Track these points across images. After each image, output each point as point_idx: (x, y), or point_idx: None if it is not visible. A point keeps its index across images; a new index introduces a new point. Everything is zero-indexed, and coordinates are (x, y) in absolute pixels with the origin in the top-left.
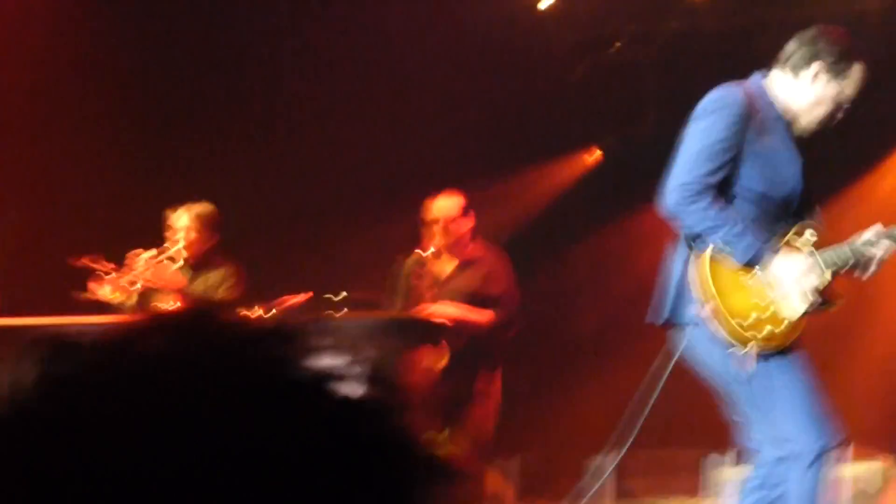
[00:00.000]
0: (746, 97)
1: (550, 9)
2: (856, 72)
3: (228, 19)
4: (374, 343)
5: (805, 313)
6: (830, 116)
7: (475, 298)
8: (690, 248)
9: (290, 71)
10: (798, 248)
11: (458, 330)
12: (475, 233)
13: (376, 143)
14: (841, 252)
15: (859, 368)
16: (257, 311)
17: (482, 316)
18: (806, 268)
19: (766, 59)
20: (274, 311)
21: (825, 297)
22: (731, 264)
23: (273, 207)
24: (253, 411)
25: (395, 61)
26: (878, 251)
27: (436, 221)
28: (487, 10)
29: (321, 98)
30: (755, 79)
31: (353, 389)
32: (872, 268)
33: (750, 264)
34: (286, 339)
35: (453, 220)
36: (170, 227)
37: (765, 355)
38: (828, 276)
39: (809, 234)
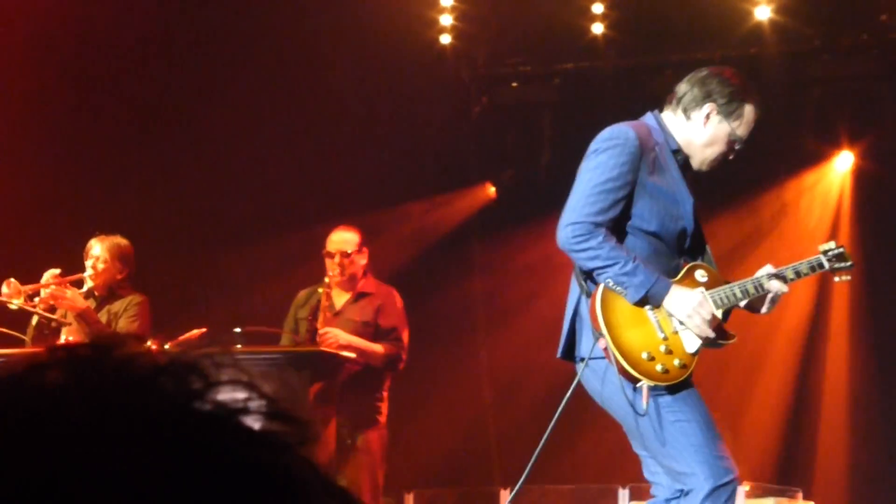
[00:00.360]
0: (639, 135)
1: (450, 46)
2: (748, 112)
3: (138, 57)
4: (273, 376)
5: (698, 350)
6: (723, 156)
7: (367, 329)
8: (587, 282)
9: (194, 106)
10: (690, 286)
11: (349, 361)
12: (368, 268)
13: (278, 176)
14: (732, 290)
15: (755, 407)
16: (151, 346)
17: (374, 348)
18: (698, 305)
19: (662, 99)
20: (168, 345)
21: (718, 335)
22: (625, 300)
23: (179, 239)
24: (153, 446)
25: (297, 97)
26: (771, 290)
27: (331, 256)
28: (388, 45)
29: (228, 133)
30: (648, 117)
31: (255, 423)
32: (766, 306)
33: (641, 303)
34: (186, 373)
35: (349, 255)
36: (86, 254)
37: (660, 391)
38: (720, 313)
39: (700, 275)
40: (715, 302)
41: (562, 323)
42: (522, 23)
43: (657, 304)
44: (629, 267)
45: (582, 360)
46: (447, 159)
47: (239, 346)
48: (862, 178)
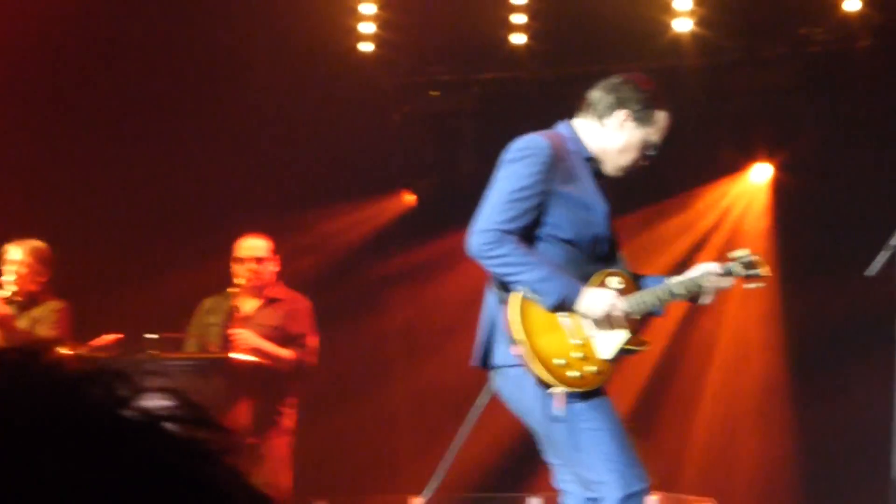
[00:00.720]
0: (552, 144)
1: (371, 54)
2: (660, 118)
3: (47, 58)
4: (191, 382)
5: (613, 357)
6: (636, 162)
7: (276, 334)
8: (501, 289)
9: (108, 107)
10: (617, 291)
11: (258, 367)
12: (279, 275)
13: (196, 180)
14: (646, 296)
15: (666, 417)
16: (67, 351)
17: (282, 353)
18: (612, 304)
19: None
20: (83, 351)
21: (633, 341)
22: (539, 307)
23: (91, 242)
24: (79, 451)
25: (219, 101)
26: (711, 287)
27: (241, 262)
28: (310, 52)
29: (147, 136)
30: (561, 126)
31: (180, 431)
32: (706, 300)
33: (557, 309)
34: (113, 380)
35: (260, 261)
36: (4, 260)
37: (574, 398)
38: (634, 319)
39: (616, 282)
40: (631, 306)
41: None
42: (443, 32)
43: (571, 309)
44: (543, 272)
45: (496, 368)
46: (367, 167)
47: (151, 351)
48: (779, 190)
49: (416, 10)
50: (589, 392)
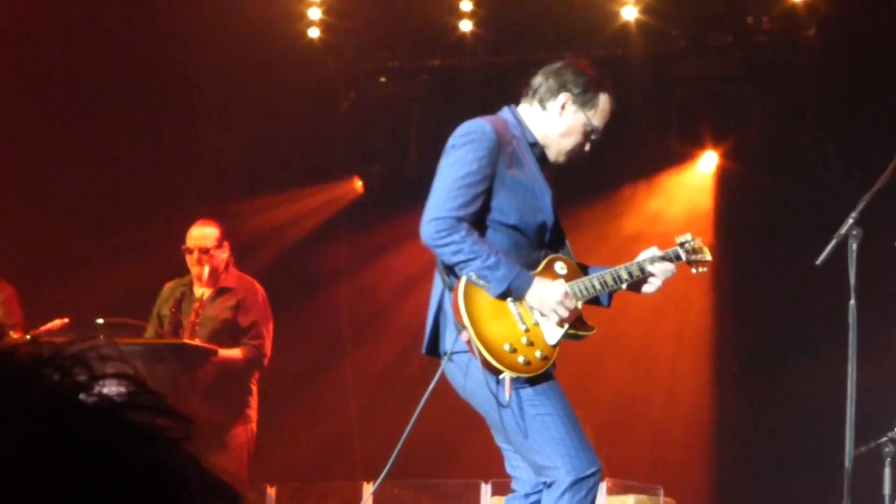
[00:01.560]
0: (496, 129)
1: (318, 40)
2: (603, 102)
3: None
4: (147, 368)
5: (559, 342)
6: (580, 147)
7: (227, 327)
8: (447, 275)
9: (57, 91)
10: (550, 278)
11: (214, 354)
12: (230, 262)
13: (144, 164)
14: (591, 282)
15: (617, 404)
16: (13, 337)
17: (232, 355)
18: (559, 297)
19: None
20: (30, 336)
21: (578, 326)
22: (487, 294)
23: (38, 226)
24: (37, 436)
25: (165, 86)
26: (656, 271)
27: (190, 251)
28: (256, 37)
29: (95, 120)
30: (505, 111)
31: (139, 417)
32: (653, 287)
33: (503, 296)
34: (72, 365)
35: (207, 251)
36: None
37: (521, 384)
38: (579, 304)
39: (559, 267)
40: (574, 294)
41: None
42: (391, 18)
43: (519, 298)
44: (491, 261)
45: (445, 354)
46: (314, 153)
47: (101, 336)
48: (725, 179)
49: None
50: (537, 377)
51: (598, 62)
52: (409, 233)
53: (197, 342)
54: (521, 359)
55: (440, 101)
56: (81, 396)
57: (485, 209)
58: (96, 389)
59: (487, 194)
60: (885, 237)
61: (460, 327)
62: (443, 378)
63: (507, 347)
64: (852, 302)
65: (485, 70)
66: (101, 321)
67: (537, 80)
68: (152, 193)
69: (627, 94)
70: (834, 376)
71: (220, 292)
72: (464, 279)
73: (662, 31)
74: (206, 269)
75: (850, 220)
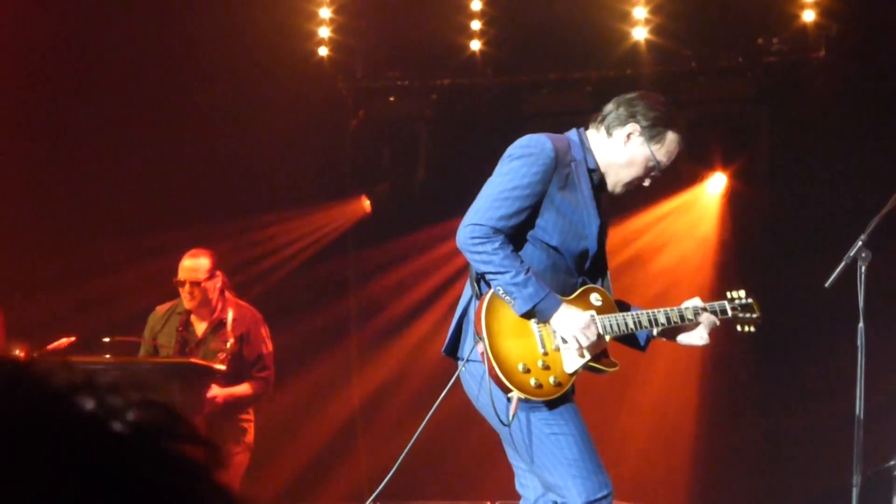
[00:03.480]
0: (557, 148)
1: (328, 58)
2: (670, 140)
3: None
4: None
5: (576, 371)
6: (639, 180)
7: (231, 361)
8: (477, 284)
9: (68, 106)
10: (583, 308)
11: (219, 373)
12: (224, 290)
13: (153, 182)
14: (624, 319)
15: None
16: (18, 354)
17: (241, 392)
18: (585, 327)
19: (537, 116)
20: (36, 354)
21: (601, 361)
22: (512, 310)
23: (39, 245)
24: (69, 463)
25: (176, 103)
26: (701, 321)
27: (182, 284)
28: (267, 56)
29: (98, 138)
30: (572, 133)
31: (170, 445)
32: (693, 339)
33: (528, 316)
34: (105, 393)
35: (199, 283)
36: None
37: (533, 405)
38: (607, 338)
39: (595, 298)
40: (604, 327)
41: (439, 330)
42: (401, 37)
43: (544, 320)
44: (520, 278)
45: (462, 359)
46: (323, 171)
47: (108, 356)
48: (734, 200)
49: (373, 16)
50: (548, 400)
51: (608, 82)
52: (417, 251)
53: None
54: (532, 381)
55: (449, 121)
56: (114, 424)
57: (528, 225)
58: (129, 418)
59: (534, 211)
60: (894, 260)
61: (478, 338)
62: (453, 394)
63: (520, 367)
64: (861, 324)
65: (494, 89)
66: (107, 339)
67: (608, 107)
68: (160, 210)
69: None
70: (843, 399)
71: (218, 325)
72: (492, 292)
73: (672, 51)
74: (196, 302)
75: (860, 243)
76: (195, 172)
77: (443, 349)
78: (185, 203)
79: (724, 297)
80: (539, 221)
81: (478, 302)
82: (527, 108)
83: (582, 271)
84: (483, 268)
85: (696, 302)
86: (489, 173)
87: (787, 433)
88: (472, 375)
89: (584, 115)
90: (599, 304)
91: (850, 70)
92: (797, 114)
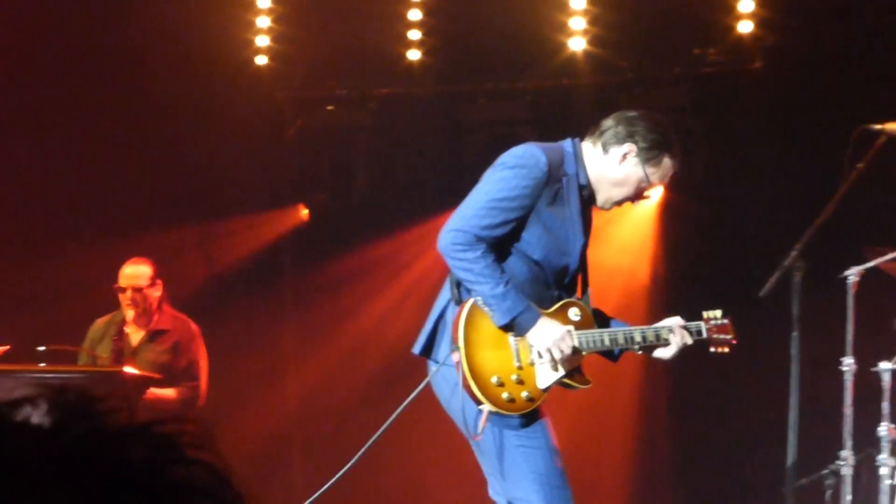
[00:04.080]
0: (550, 162)
1: (266, 67)
2: (666, 163)
3: None
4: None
5: (549, 387)
6: (629, 200)
7: (164, 370)
8: (457, 289)
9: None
10: (561, 322)
11: (153, 382)
12: (163, 301)
13: (86, 190)
14: (601, 336)
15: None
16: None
17: (167, 395)
18: (560, 339)
19: (475, 126)
20: None
21: (574, 377)
22: (491, 321)
23: None
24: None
25: (111, 110)
26: (672, 341)
27: (123, 290)
28: (204, 64)
29: (33, 147)
30: (567, 143)
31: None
32: (667, 354)
33: (506, 328)
34: (157, 441)
35: (141, 290)
36: None
37: (505, 417)
38: (584, 354)
39: (573, 313)
40: (581, 343)
41: (376, 333)
42: (339, 46)
43: (521, 333)
44: (500, 290)
45: (436, 363)
46: (261, 180)
47: (42, 364)
48: (669, 211)
49: (312, 25)
50: (520, 414)
51: (545, 92)
52: (354, 259)
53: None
54: (505, 395)
55: (387, 130)
56: (166, 475)
57: (513, 237)
58: (179, 471)
59: (520, 224)
60: (828, 269)
61: (454, 346)
62: (429, 385)
63: (494, 380)
64: (795, 333)
65: (432, 99)
66: (42, 348)
67: (607, 122)
68: (95, 218)
69: (574, 124)
70: (776, 408)
71: (154, 335)
72: (472, 300)
73: (609, 62)
74: (139, 309)
75: (794, 252)
76: (131, 181)
77: (415, 349)
78: (120, 212)
79: (700, 317)
80: (524, 234)
81: (457, 308)
82: (465, 118)
83: (561, 285)
84: (462, 275)
85: (676, 321)
86: (428, 182)
87: (722, 441)
88: (446, 380)
89: (521, 125)
90: (578, 319)
91: (786, 81)
92: (733, 125)
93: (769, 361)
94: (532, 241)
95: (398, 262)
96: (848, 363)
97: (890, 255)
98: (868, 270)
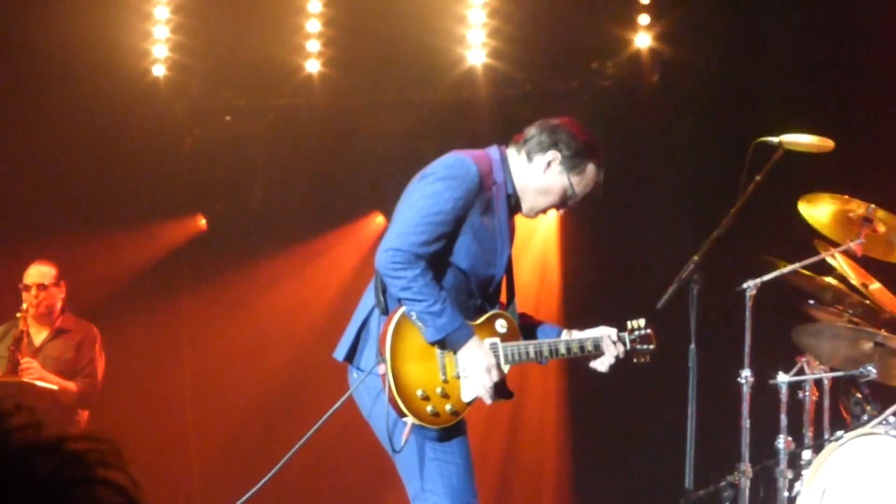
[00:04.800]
0: (481, 171)
1: (163, 77)
2: (590, 172)
3: None
4: None
5: (472, 401)
6: (553, 208)
7: (65, 367)
8: (383, 298)
9: None
10: (489, 334)
11: (50, 392)
12: (66, 303)
13: None
14: (526, 349)
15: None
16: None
17: (67, 385)
18: (488, 364)
19: (373, 137)
20: None
21: (499, 389)
22: (419, 334)
23: None
24: None
25: (7, 120)
26: (608, 351)
27: (28, 289)
28: (101, 74)
29: None
30: (494, 151)
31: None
32: (602, 367)
33: (436, 345)
34: (64, 459)
35: (46, 287)
36: None
37: (426, 429)
38: (506, 368)
39: (500, 325)
40: (506, 356)
41: (273, 340)
42: (237, 57)
43: (452, 350)
44: (436, 307)
45: (358, 370)
46: (158, 190)
47: None
48: (568, 223)
49: (209, 35)
50: (441, 428)
51: (443, 104)
52: (252, 268)
53: (41, 376)
54: (429, 408)
55: (285, 141)
56: (73, 492)
57: (443, 247)
58: (88, 491)
59: (452, 235)
60: (725, 282)
61: (380, 358)
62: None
63: (419, 393)
64: (692, 346)
65: (331, 110)
66: None
67: (531, 130)
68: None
69: (473, 136)
70: (675, 420)
71: (59, 333)
72: (400, 312)
73: (507, 75)
74: (43, 306)
75: (692, 265)
76: (27, 193)
77: (337, 354)
78: (17, 225)
79: (625, 327)
80: (453, 244)
81: (384, 318)
82: (363, 129)
83: (484, 295)
84: (401, 294)
85: (602, 331)
86: (325, 192)
87: (619, 453)
88: (368, 389)
89: (420, 137)
90: (504, 330)
91: (682, 94)
92: (631, 138)
93: (668, 374)
94: (461, 250)
95: (295, 272)
96: (745, 375)
97: (789, 268)
98: (765, 283)
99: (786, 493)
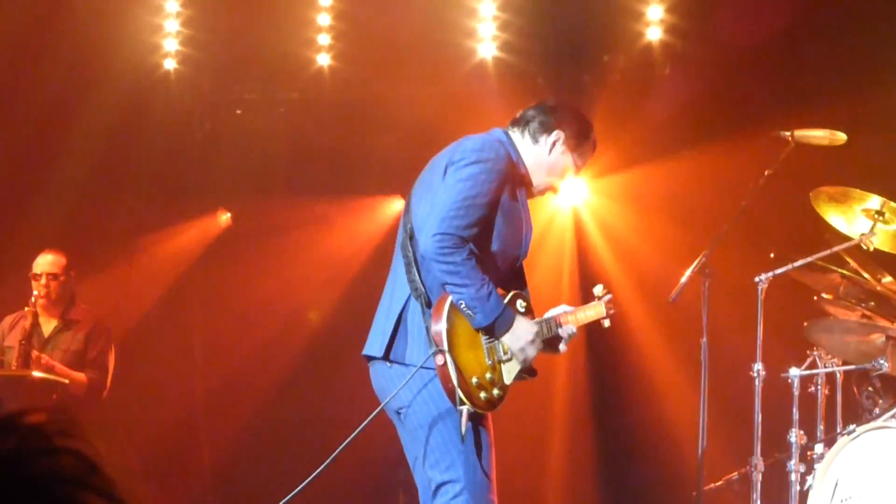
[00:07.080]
0: (508, 154)
1: (174, 72)
2: (587, 150)
3: None
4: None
5: (512, 382)
6: (553, 188)
7: (74, 358)
8: (422, 287)
9: None
10: (522, 314)
11: (61, 385)
12: (76, 295)
13: None
14: (546, 324)
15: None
16: None
17: (77, 376)
18: (531, 337)
19: (383, 130)
20: None
21: (527, 370)
22: (466, 322)
23: None
24: None
25: (19, 113)
26: (561, 333)
27: (38, 277)
28: (113, 68)
29: None
30: (500, 134)
31: (89, 499)
32: (555, 350)
33: (484, 330)
34: (26, 433)
35: (56, 276)
36: None
37: (476, 417)
38: (541, 345)
39: (520, 304)
40: (541, 331)
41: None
42: (248, 51)
43: (498, 335)
44: (483, 291)
45: (400, 364)
46: (169, 183)
47: None
48: (584, 215)
49: (220, 29)
50: (481, 415)
51: (455, 98)
52: (277, 263)
53: (51, 369)
54: (483, 395)
55: (298, 134)
56: (34, 466)
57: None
58: (50, 461)
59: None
60: (737, 275)
61: (436, 349)
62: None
63: (475, 381)
64: (704, 339)
65: (342, 104)
66: None
67: (530, 112)
68: (6, 224)
69: (484, 130)
70: (688, 413)
71: (69, 324)
72: (448, 302)
73: (519, 68)
74: (53, 296)
75: (703, 259)
76: (39, 189)
77: (371, 350)
78: (25, 219)
79: (593, 296)
80: (488, 227)
81: (428, 310)
82: (374, 123)
83: (509, 274)
84: (449, 278)
85: (564, 308)
86: (335, 186)
87: (633, 445)
88: (415, 379)
89: (430, 131)
90: (523, 310)
91: (695, 87)
92: (642, 130)
93: (680, 367)
94: (493, 232)
95: (302, 267)
96: (757, 369)
97: (800, 261)
98: (777, 276)
99: (798, 487)
